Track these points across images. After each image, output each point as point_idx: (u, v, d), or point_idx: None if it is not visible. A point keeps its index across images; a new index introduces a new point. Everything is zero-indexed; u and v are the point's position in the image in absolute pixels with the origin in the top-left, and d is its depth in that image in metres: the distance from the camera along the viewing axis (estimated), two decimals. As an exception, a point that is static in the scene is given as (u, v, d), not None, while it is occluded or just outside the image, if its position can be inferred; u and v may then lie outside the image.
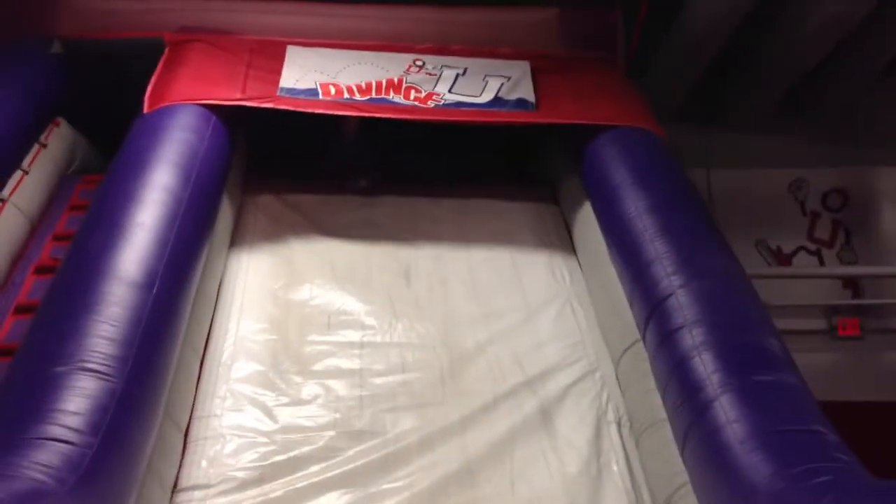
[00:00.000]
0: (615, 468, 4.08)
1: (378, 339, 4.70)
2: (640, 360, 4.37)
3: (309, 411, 4.20)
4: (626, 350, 4.57)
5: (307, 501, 3.79)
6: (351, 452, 4.02)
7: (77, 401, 3.19)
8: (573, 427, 4.27)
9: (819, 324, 6.61)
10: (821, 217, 7.04)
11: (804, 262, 6.94)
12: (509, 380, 4.52)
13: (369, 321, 4.80)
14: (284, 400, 4.26)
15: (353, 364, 4.50)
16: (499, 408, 4.34)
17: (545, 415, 4.34)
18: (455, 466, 4.02)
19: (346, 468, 3.96)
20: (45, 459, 2.88)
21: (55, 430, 3.03)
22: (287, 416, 4.18)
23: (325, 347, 4.59)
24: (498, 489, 3.94)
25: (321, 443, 4.05)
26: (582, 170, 5.70)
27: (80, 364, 3.36)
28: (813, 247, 6.98)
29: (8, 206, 4.87)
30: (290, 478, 3.88)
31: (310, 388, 4.34)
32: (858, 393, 6.08)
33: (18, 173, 5.09)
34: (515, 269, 5.42)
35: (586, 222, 5.53)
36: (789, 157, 6.93)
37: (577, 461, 4.08)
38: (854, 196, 7.08)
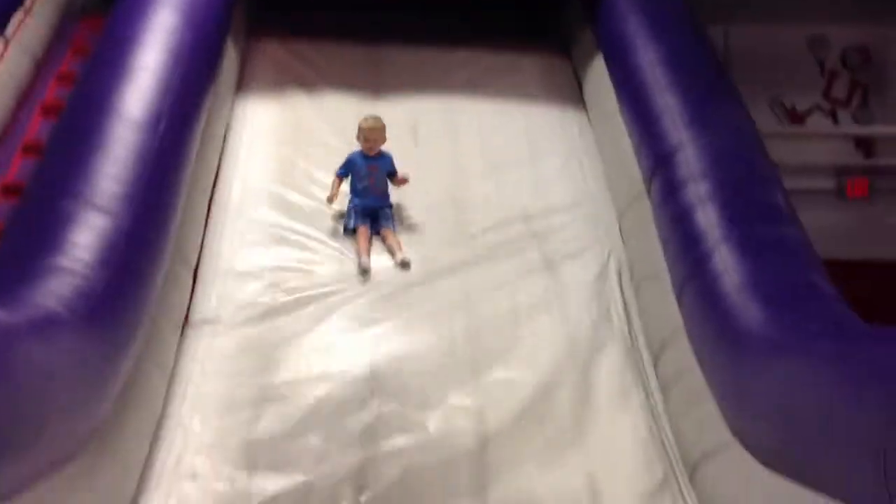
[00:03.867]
0: (613, 314, 4.17)
1: None
2: (644, 213, 4.39)
3: (315, 250, 4.29)
4: (630, 202, 4.59)
5: (311, 333, 3.93)
6: (354, 291, 4.14)
7: (86, 236, 3.25)
8: (575, 275, 4.34)
9: (828, 184, 6.57)
10: (839, 76, 6.86)
11: (818, 123, 6.82)
12: (514, 229, 4.57)
13: (376, 170, 4.81)
14: (291, 240, 4.35)
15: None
16: (503, 255, 4.42)
17: (548, 264, 4.40)
18: (457, 297, 4.15)
19: (349, 304, 4.08)
20: (56, 289, 2.94)
21: (66, 263, 3.09)
22: (293, 255, 4.28)
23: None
24: (498, 322, 4.06)
25: (326, 281, 4.16)
26: (595, 22, 5.55)
27: (89, 201, 3.40)
28: (828, 106, 6.84)
29: (11, 45, 4.80)
30: (295, 314, 4.01)
31: (316, 230, 4.42)
32: (863, 252, 6.11)
33: (20, 12, 4.99)
34: (524, 121, 5.38)
35: (598, 76, 5.44)
36: (811, 12, 6.69)
37: (577, 305, 4.17)
38: (876, 54, 6.88)
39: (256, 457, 3.42)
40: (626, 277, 4.40)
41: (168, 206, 3.81)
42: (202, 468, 3.38)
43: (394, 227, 4.49)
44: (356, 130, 4.52)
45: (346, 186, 4.55)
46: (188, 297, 4.03)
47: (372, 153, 4.51)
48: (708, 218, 3.81)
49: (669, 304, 3.88)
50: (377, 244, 4.43)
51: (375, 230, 4.45)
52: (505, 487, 3.39)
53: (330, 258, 4.29)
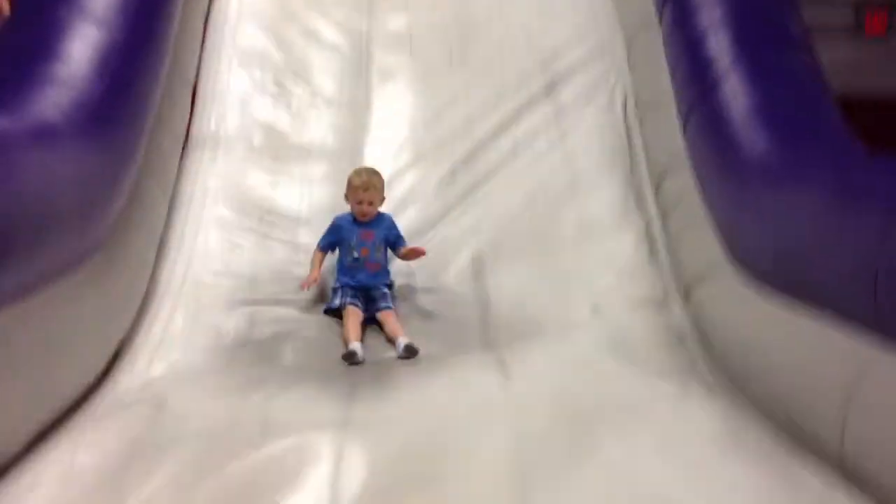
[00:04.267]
0: (616, 141, 4.15)
1: (386, 9, 4.58)
2: (654, 39, 4.25)
3: (314, 76, 4.22)
4: (641, 28, 4.45)
5: (309, 155, 3.94)
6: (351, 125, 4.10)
7: (81, 46, 3.18)
8: (579, 104, 4.29)
9: (846, 19, 6.36)
10: None
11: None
12: (518, 54, 4.47)
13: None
14: (288, 63, 4.26)
15: (360, 26, 4.45)
16: (505, 79, 4.34)
17: (551, 90, 4.33)
18: (458, 123, 4.13)
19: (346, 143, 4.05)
20: (54, 99, 2.90)
21: (63, 73, 3.03)
22: (291, 77, 4.21)
23: (331, 11, 4.50)
24: (497, 147, 4.07)
25: (324, 119, 4.12)
26: None
27: (83, 11, 3.30)
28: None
29: None
30: (293, 135, 4.02)
31: (313, 53, 4.33)
32: (878, 89, 6.00)
33: None
34: None
35: None
36: None
37: (579, 133, 4.15)
38: None
39: (258, 272, 3.49)
40: (630, 105, 4.33)
41: (163, 18, 3.71)
42: (206, 282, 3.46)
43: (395, 306, 3.46)
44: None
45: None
46: (188, 116, 3.99)
47: (366, 218, 3.53)
48: (720, 43, 3.69)
49: (673, 131, 3.83)
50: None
51: (370, 313, 3.41)
52: (504, 302, 3.48)
53: (327, 91, 4.21)
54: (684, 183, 3.66)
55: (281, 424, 2.39)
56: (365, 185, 3.46)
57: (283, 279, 3.51)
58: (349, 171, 3.66)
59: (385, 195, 3.58)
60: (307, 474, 2.14)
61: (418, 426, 2.48)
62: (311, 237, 3.66)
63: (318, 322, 3.38)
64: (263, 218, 3.73)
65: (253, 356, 3.12)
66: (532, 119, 4.19)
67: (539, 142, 4.11)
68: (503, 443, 2.35)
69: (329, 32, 4.43)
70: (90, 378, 2.91)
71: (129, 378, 2.96)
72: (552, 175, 3.96)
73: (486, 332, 3.37)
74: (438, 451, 2.31)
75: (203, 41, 4.29)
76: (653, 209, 3.91)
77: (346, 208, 3.56)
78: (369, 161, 3.92)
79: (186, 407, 2.58)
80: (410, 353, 3.15)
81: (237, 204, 3.75)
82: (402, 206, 3.87)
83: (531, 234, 3.76)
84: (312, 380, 2.87)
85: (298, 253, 3.63)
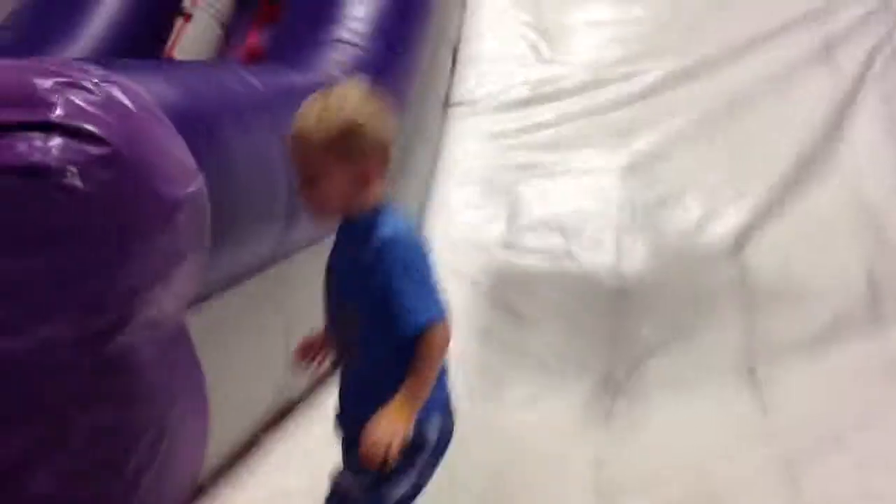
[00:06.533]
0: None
1: None
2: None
3: (577, 42, 4.10)
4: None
5: (572, 123, 3.85)
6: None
7: (359, 8, 3.30)
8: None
9: None
10: None
11: None
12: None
13: None
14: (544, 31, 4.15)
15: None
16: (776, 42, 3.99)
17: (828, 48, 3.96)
18: None
19: (609, 96, 3.91)
20: (338, 58, 3.06)
21: (343, 33, 3.17)
22: (545, 48, 4.10)
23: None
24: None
25: (587, 76, 3.99)
26: None
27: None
28: None
29: None
30: (556, 103, 3.93)
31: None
32: None
33: None
34: None
35: None
36: None
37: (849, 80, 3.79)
38: None
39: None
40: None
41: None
42: (467, 243, 3.54)
43: None
44: None
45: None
46: (449, 77, 4.04)
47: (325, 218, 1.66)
48: None
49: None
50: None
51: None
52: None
53: (589, 50, 4.09)
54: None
55: None
56: (292, 141, 1.59)
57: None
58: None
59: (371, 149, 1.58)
60: None
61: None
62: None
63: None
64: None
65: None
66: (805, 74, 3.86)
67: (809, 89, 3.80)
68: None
69: None
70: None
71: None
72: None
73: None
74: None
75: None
76: None
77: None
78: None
79: None
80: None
81: (494, 161, 3.78)
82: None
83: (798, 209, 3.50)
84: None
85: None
